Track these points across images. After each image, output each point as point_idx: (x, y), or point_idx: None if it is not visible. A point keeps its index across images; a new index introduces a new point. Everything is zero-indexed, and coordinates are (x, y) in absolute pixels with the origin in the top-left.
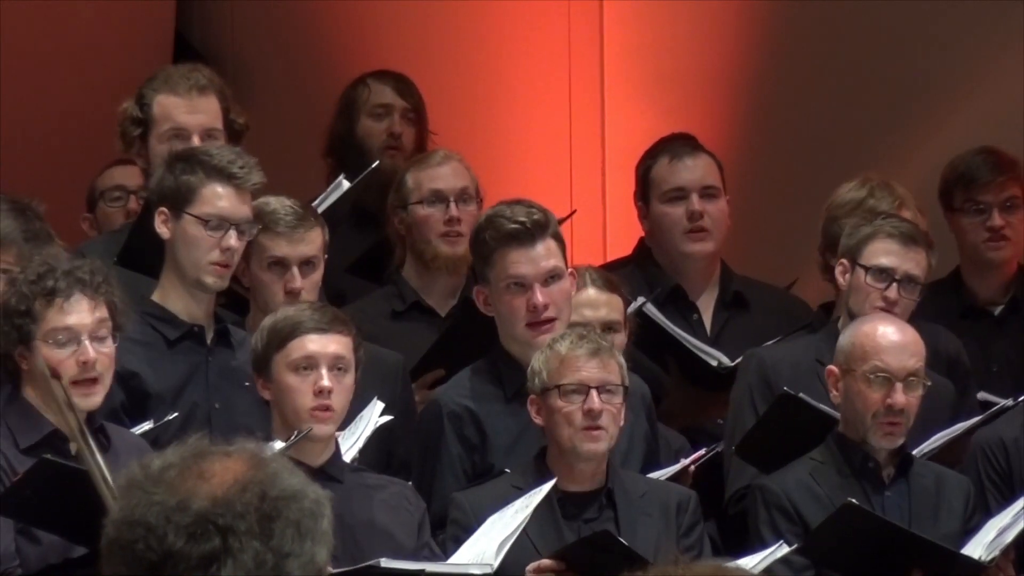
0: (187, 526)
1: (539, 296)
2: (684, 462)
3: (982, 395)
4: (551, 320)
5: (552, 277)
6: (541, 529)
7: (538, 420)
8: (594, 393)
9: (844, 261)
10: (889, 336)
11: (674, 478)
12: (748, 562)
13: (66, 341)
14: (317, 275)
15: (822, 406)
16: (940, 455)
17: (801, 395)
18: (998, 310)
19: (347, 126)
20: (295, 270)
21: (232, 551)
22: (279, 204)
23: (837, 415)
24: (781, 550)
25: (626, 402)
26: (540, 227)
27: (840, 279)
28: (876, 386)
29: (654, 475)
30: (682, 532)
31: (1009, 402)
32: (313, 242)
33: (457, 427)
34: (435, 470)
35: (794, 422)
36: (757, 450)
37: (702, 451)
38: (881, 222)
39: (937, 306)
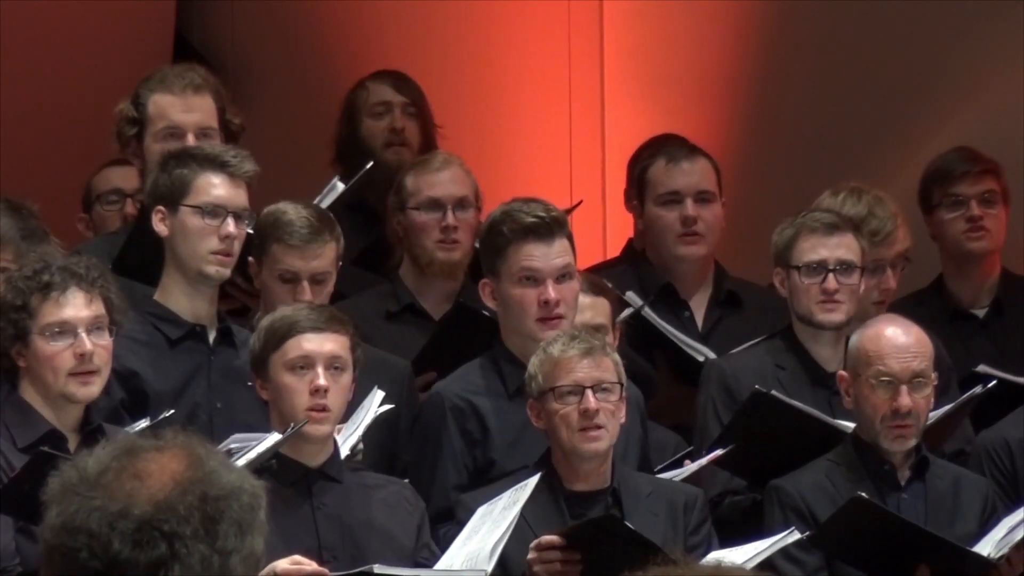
0: (132, 533)
1: (552, 291)
2: (702, 460)
3: (982, 368)
4: (560, 317)
5: (564, 274)
6: (548, 529)
7: (539, 424)
8: (589, 393)
9: (779, 269)
10: (892, 339)
11: (690, 478)
12: (758, 546)
13: (62, 334)
14: (328, 288)
15: (794, 402)
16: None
17: (773, 392)
18: (982, 313)
19: (350, 130)
20: (306, 284)
21: (179, 556)
22: (296, 215)
23: (811, 412)
24: (792, 536)
25: (625, 400)
26: (558, 224)
27: (780, 289)
28: (881, 390)
29: (668, 475)
30: (690, 530)
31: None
32: (326, 257)
33: (459, 421)
34: (436, 462)
35: (766, 424)
36: (731, 456)
37: (719, 452)
38: (801, 220)
39: (922, 313)
